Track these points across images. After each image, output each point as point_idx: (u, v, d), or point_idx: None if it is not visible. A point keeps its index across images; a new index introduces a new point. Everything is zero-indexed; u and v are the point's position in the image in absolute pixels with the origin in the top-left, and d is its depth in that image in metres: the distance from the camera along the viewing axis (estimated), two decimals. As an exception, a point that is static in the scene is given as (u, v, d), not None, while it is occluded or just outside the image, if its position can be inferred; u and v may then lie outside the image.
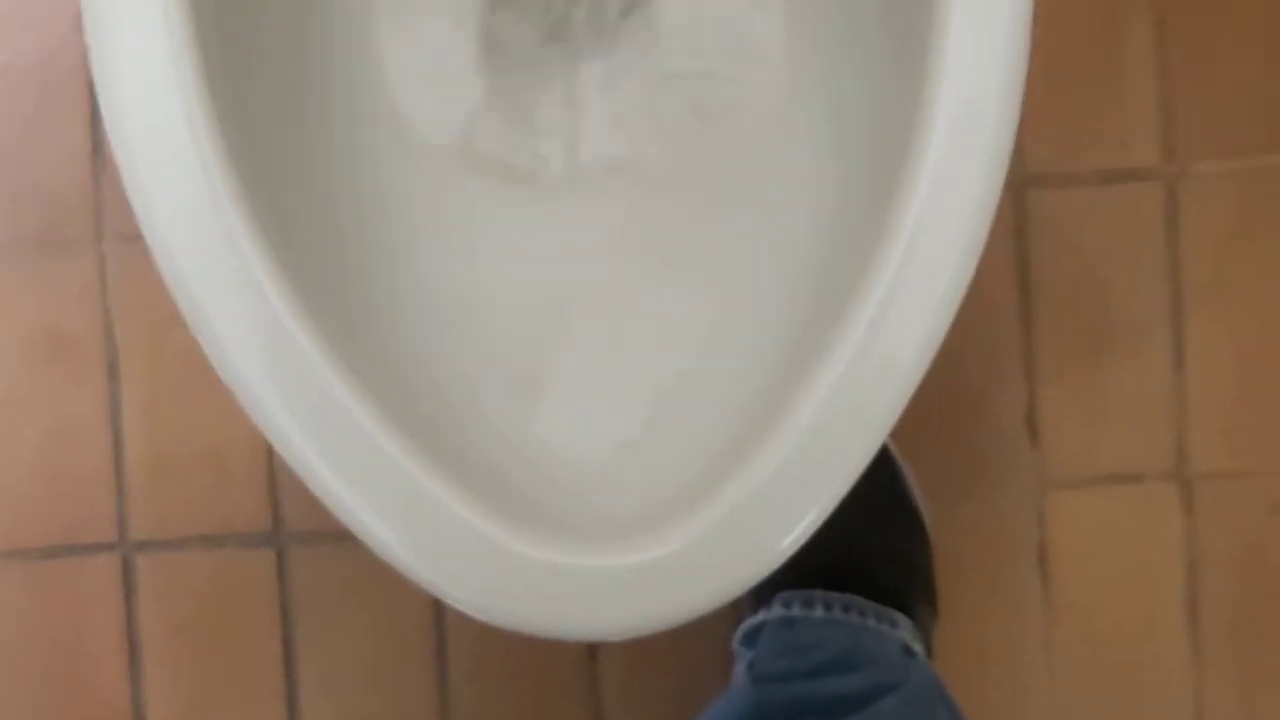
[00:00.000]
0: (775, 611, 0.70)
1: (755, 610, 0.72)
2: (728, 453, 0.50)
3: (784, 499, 0.48)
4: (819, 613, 0.70)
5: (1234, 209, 0.82)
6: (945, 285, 0.50)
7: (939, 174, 0.49)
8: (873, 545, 0.75)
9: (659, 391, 0.59)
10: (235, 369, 0.48)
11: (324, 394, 0.48)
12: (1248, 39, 0.82)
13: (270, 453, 0.82)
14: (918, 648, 0.70)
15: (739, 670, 0.70)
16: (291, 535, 0.82)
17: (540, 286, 0.62)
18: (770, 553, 0.48)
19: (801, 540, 0.49)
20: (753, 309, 0.60)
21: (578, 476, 0.55)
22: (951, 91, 0.49)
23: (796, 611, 0.70)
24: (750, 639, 0.70)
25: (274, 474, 0.82)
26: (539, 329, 0.61)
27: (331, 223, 0.60)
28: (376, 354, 0.54)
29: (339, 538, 0.80)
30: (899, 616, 0.71)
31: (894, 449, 0.79)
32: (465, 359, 0.59)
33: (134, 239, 0.82)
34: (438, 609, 0.82)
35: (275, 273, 0.48)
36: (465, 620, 0.50)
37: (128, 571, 0.82)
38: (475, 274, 0.62)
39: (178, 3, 0.49)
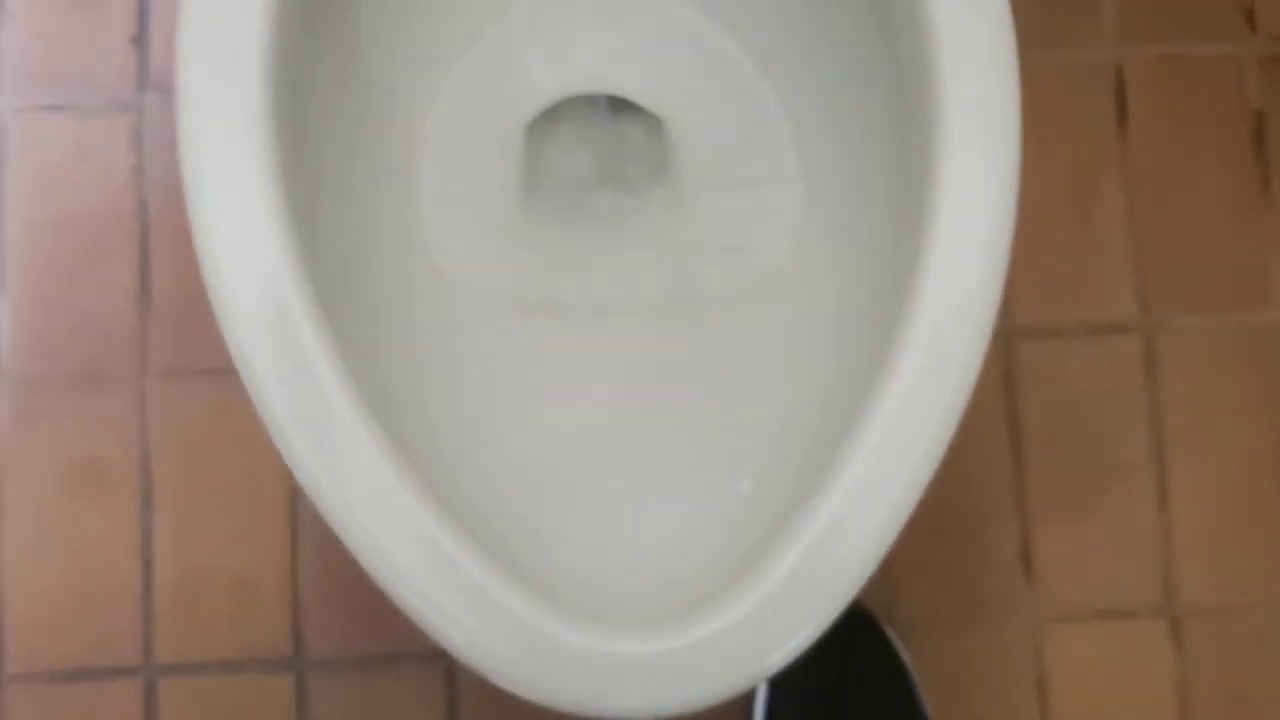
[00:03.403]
0: None
1: None
2: (738, 565, 0.55)
3: (783, 614, 0.53)
4: None
5: (1209, 360, 0.88)
6: (915, 466, 0.55)
7: (917, 369, 0.55)
8: None
9: (675, 506, 0.64)
10: (315, 481, 0.52)
11: (398, 502, 0.52)
12: (1212, 204, 0.89)
13: (295, 580, 0.85)
14: None
15: None
16: (312, 662, 0.84)
17: (571, 409, 0.67)
18: (764, 662, 0.53)
19: (799, 650, 0.53)
20: (773, 428, 0.65)
21: (606, 579, 0.59)
22: (934, 299, 0.55)
23: None
24: None
25: (298, 601, 0.84)
26: (571, 450, 0.66)
27: (382, 345, 0.64)
28: (435, 467, 0.58)
29: (359, 664, 0.83)
30: None
31: (908, 661, 0.83)
32: (508, 470, 0.63)
33: (175, 375, 0.86)
34: (452, 738, 0.84)
35: (351, 392, 0.53)
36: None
37: (150, 695, 0.83)
38: (512, 397, 0.67)
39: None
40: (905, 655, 0.83)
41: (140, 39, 0.89)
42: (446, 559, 0.51)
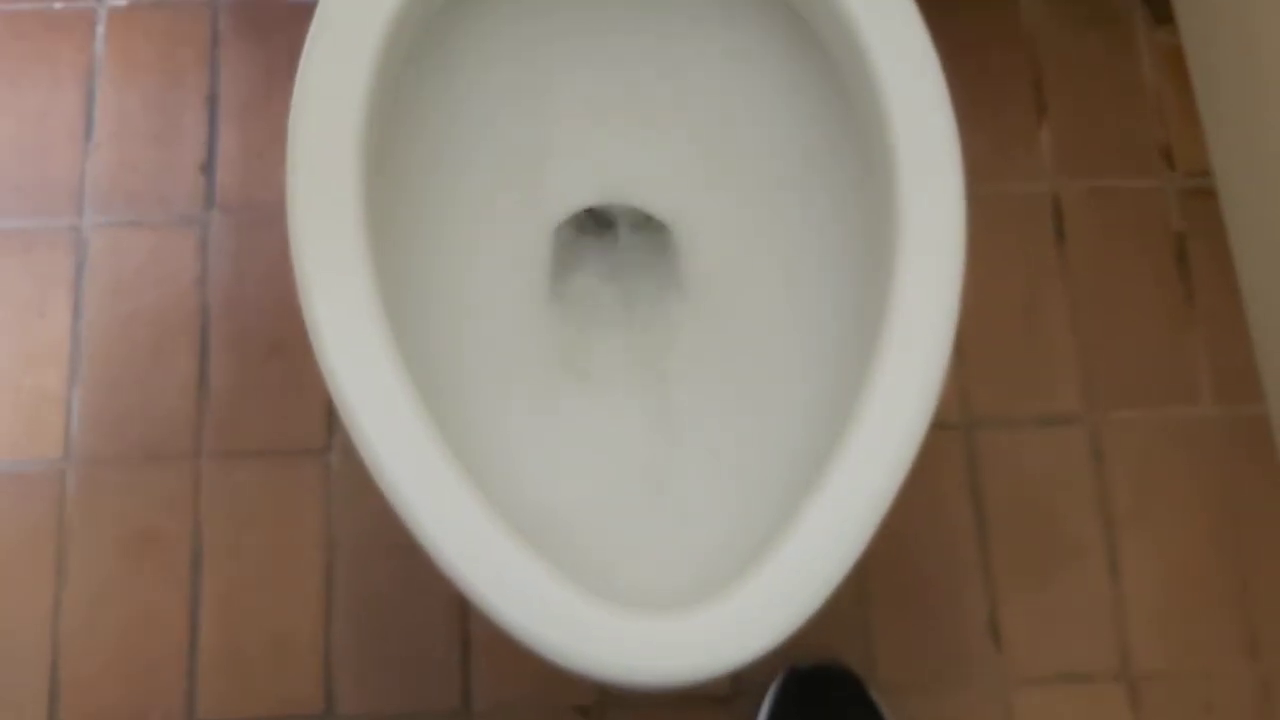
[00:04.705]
0: None
1: None
2: (744, 561, 0.65)
3: (769, 609, 0.63)
4: None
5: (1147, 449, 0.99)
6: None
7: (870, 440, 0.66)
8: None
9: (683, 522, 0.74)
10: (414, 517, 0.63)
11: (477, 529, 0.63)
12: (1144, 314, 1.02)
13: (327, 642, 0.92)
14: None
15: None
16: (341, 718, 0.91)
17: (600, 448, 0.78)
18: (774, 634, 0.63)
19: (799, 624, 0.63)
20: (756, 469, 0.76)
21: (640, 575, 0.69)
22: (893, 371, 0.67)
23: None
24: None
25: (329, 661, 0.92)
26: (600, 480, 0.77)
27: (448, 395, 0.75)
28: (505, 497, 0.68)
29: (384, 720, 0.90)
30: None
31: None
32: (555, 493, 0.74)
33: (226, 456, 0.96)
34: (469, 792, 0.90)
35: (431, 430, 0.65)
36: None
37: (190, 749, 0.90)
38: (545, 440, 0.78)
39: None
40: (888, 716, 0.91)
41: (208, 167, 1.03)
42: (507, 561, 0.63)
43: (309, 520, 0.95)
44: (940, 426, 0.98)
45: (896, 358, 0.68)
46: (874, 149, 0.73)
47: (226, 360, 0.98)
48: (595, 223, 0.88)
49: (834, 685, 0.91)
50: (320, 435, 0.97)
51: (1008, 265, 1.03)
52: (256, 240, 1.01)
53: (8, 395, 0.97)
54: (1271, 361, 0.99)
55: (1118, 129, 1.06)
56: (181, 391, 0.97)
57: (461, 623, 0.92)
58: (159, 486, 0.95)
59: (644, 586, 0.67)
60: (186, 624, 0.92)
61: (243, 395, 0.97)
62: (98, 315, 0.99)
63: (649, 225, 0.87)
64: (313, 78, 0.71)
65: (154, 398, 0.97)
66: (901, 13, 0.71)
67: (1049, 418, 1.00)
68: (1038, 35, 1.08)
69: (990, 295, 1.02)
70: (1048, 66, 1.07)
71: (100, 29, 1.05)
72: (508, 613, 0.62)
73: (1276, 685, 0.94)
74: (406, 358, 0.68)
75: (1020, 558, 0.97)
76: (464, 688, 0.92)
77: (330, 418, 0.97)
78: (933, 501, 0.98)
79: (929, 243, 0.69)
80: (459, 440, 0.68)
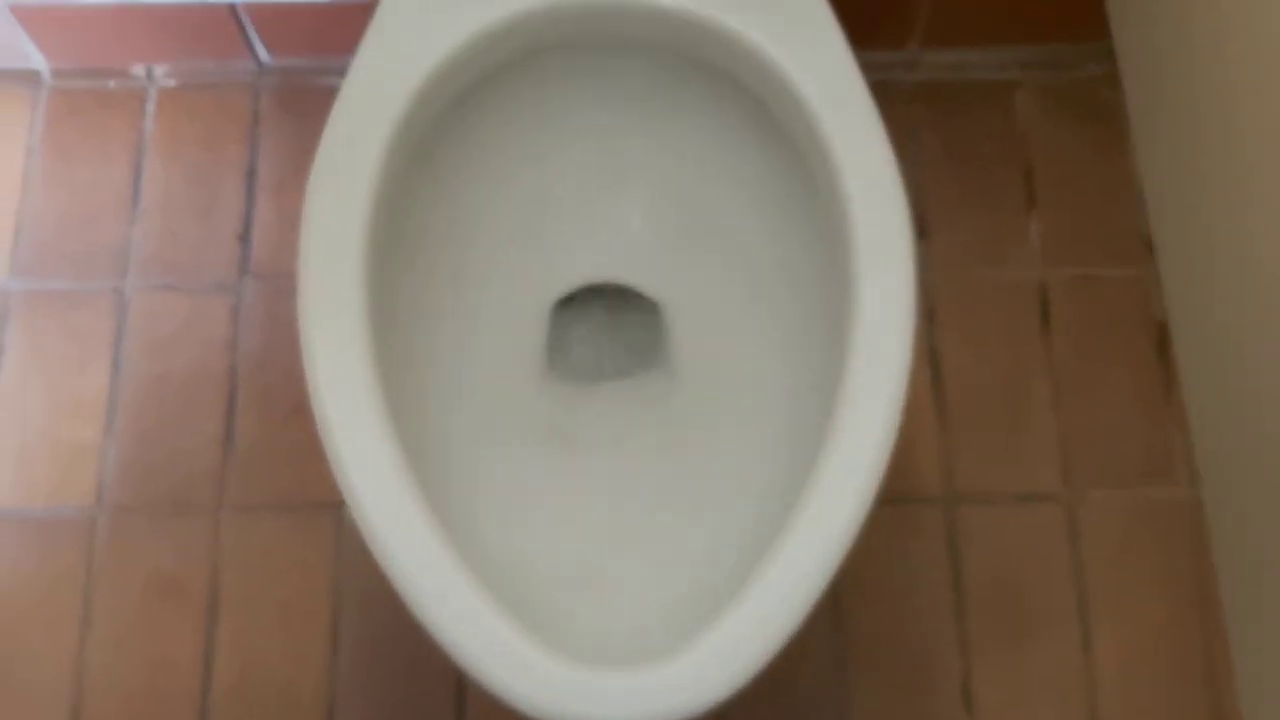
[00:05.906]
0: None
1: None
2: (699, 620, 0.70)
3: (718, 668, 0.68)
4: None
5: (1124, 528, 1.03)
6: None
7: (821, 513, 0.71)
8: None
9: (649, 582, 0.79)
10: (394, 566, 0.71)
11: (456, 590, 0.69)
12: (1124, 398, 1.06)
13: (332, 689, 0.98)
14: None
15: None
16: (343, 761, 0.97)
17: (577, 512, 0.84)
18: (725, 687, 0.68)
19: (748, 678, 0.68)
20: (720, 537, 0.81)
21: (604, 631, 0.75)
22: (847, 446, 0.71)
23: None
24: None
25: (333, 705, 0.98)
26: (576, 541, 0.82)
27: (438, 464, 0.81)
28: (473, 550, 0.73)
29: (384, 764, 0.96)
30: None
31: None
32: (531, 553, 0.79)
33: (247, 508, 1.03)
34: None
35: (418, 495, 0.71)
36: None
37: (199, 784, 0.96)
38: (533, 502, 0.84)
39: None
40: None
41: (245, 236, 1.10)
42: (482, 618, 0.68)
43: (320, 571, 1.01)
44: (922, 500, 1.03)
45: (842, 439, 0.72)
46: (835, 241, 0.78)
47: (251, 419, 1.05)
48: (591, 302, 0.94)
49: None
50: (335, 491, 1.03)
51: (994, 347, 1.08)
52: (286, 307, 1.08)
53: (47, 445, 1.04)
54: (1205, 447, 1.02)
55: (1104, 219, 1.11)
56: (208, 447, 1.04)
57: (456, 671, 0.98)
58: (183, 535, 1.02)
59: (610, 642, 0.73)
60: (200, 667, 0.99)
61: (265, 452, 1.04)
62: (134, 371, 1.06)
63: (641, 305, 0.93)
64: (327, 162, 0.78)
65: (182, 452, 1.04)
66: (863, 120, 0.77)
67: (1028, 495, 1.04)
68: (1030, 130, 1.14)
69: (976, 375, 1.07)
70: (1039, 160, 1.12)
71: (150, 106, 1.14)
72: (479, 665, 0.68)
73: (1238, 763, 0.97)
74: (401, 426, 0.74)
75: (995, 629, 1.01)
76: (458, 734, 0.97)
77: (346, 474, 1.03)
78: (912, 572, 1.02)
79: (879, 336, 0.74)
80: (445, 503, 0.74)
